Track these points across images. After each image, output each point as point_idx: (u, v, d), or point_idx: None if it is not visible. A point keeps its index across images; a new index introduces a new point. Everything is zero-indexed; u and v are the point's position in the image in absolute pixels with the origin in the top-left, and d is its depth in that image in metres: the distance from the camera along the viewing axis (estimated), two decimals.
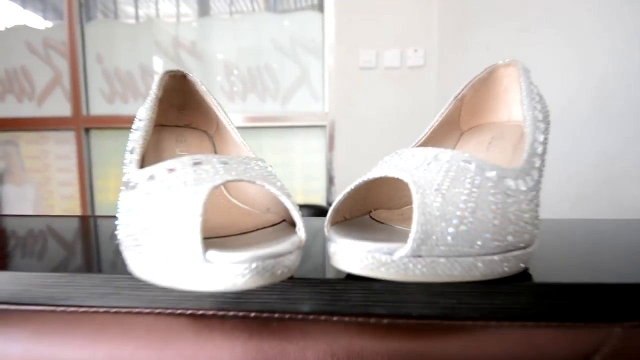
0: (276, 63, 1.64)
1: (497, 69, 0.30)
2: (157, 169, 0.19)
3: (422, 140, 0.30)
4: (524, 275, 0.19)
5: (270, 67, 1.64)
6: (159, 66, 1.71)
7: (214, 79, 1.68)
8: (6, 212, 1.89)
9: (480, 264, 0.16)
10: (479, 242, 0.16)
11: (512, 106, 0.30)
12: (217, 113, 0.30)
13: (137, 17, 1.71)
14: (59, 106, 1.71)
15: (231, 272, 0.14)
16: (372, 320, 0.18)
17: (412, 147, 0.28)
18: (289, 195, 0.18)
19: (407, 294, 0.18)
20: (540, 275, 0.19)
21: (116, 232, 0.20)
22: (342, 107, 1.56)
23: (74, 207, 1.79)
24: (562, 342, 0.17)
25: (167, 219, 0.16)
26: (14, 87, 1.75)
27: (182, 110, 0.33)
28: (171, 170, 0.18)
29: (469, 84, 0.30)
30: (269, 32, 1.63)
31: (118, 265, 0.21)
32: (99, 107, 1.71)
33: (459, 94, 0.31)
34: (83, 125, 1.70)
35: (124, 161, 0.23)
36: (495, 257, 0.17)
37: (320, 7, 1.59)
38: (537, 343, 0.17)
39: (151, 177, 0.18)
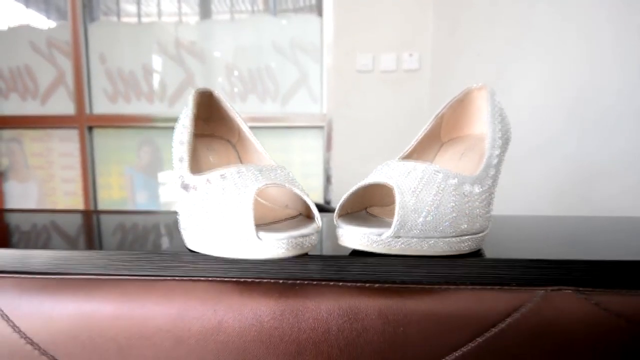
0: (276, 64, 1.67)
1: (471, 91, 0.36)
2: (212, 175, 0.26)
3: (409, 150, 0.36)
4: (477, 253, 0.26)
5: (270, 68, 1.67)
6: (161, 67, 1.74)
7: (215, 80, 1.70)
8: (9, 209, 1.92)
9: (441, 243, 0.24)
10: (440, 228, 0.24)
11: (482, 122, 0.37)
12: (240, 125, 0.37)
13: (139, 17, 1.74)
14: (62, 105, 1.73)
15: (275, 245, 0.21)
16: (367, 285, 0.25)
17: (400, 157, 0.35)
18: (307, 195, 0.25)
19: (391, 266, 0.25)
20: (488, 253, 0.27)
21: (178, 220, 0.27)
22: (339, 109, 1.60)
23: (76, 204, 1.80)
24: (500, 300, 0.25)
25: (227, 211, 0.23)
26: (17, 86, 1.75)
27: (207, 121, 0.38)
28: (223, 176, 0.25)
29: (448, 104, 0.36)
30: (269, 34, 1.66)
31: (179, 245, 0.28)
32: (101, 106, 1.73)
33: (440, 112, 0.37)
34: (86, 124, 1.72)
35: (175, 168, 0.30)
36: (452, 239, 0.24)
37: (319, 11, 1.64)
38: (483, 300, 0.25)
39: (208, 181, 0.25)
